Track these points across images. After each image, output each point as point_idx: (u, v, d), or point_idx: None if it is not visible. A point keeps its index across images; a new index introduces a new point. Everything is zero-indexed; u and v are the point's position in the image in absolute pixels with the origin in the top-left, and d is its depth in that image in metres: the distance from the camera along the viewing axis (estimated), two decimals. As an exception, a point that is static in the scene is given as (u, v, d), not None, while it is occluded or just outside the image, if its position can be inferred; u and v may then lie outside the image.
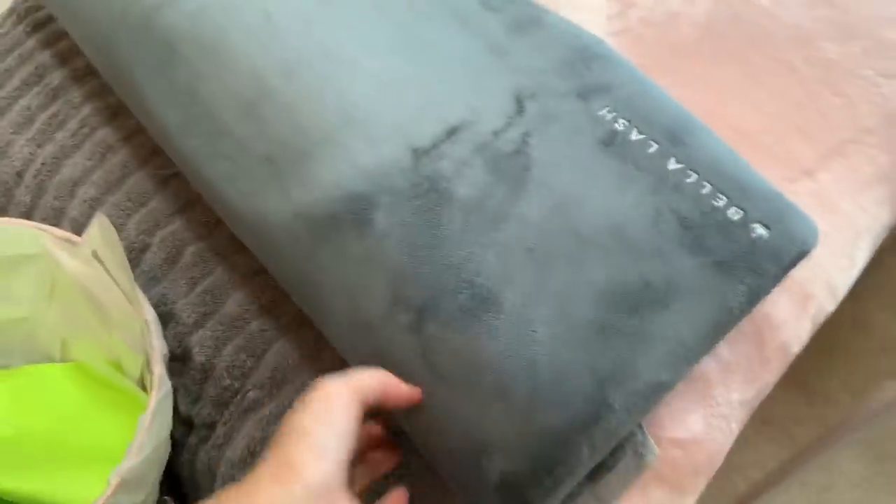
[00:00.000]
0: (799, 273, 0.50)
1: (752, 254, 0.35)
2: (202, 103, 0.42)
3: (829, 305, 0.52)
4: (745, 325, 0.48)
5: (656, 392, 0.33)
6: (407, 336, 0.35)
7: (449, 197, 0.36)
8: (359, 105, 0.39)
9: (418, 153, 0.38)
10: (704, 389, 0.45)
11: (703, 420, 0.45)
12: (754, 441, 1.06)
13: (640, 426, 0.41)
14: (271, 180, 0.39)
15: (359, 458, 0.37)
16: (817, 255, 0.51)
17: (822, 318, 0.52)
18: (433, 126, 0.38)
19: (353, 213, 0.37)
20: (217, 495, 0.31)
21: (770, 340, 0.48)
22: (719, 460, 0.46)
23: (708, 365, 0.46)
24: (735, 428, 0.47)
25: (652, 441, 0.42)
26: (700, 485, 0.45)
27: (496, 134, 0.38)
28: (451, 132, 0.38)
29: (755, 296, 0.36)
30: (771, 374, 0.49)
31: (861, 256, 0.54)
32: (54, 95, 0.56)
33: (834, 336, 1.21)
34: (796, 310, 0.49)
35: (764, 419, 1.09)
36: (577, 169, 0.37)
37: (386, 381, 0.34)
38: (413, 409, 0.36)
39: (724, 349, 0.47)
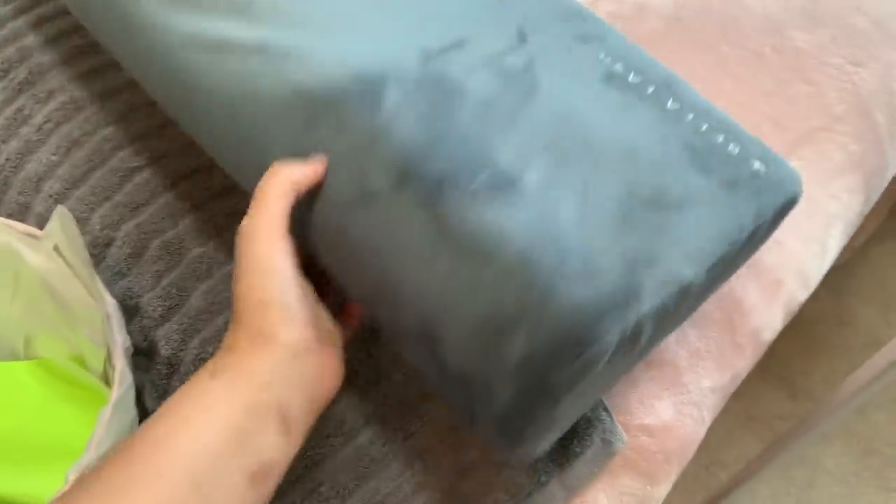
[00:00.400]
0: (769, 258, 0.50)
1: (755, 181, 0.36)
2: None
3: (801, 294, 0.52)
4: (714, 311, 0.47)
5: (681, 287, 0.32)
6: (419, 210, 0.33)
7: (461, 93, 0.36)
8: (361, 14, 0.39)
9: (428, 54, 0.37)
10: (674, 376, 0.45)
11: (672, 407, 0.44)
12: (738, 436, 1.06)
13: (607, 411, 0.41)
14: (267, 66, 0.37)
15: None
16: (787, 242, 0.51)
17: (794, 307, 0.52)
18: (440, 38, 0.38)
19: (363, 89, 0.35)
20: (207, 367, 0.31)
21: (741, 326, 0.48)
22: (692, 449, 0.46)
23: (677, 352, 0.46)
24: (707, 416, 0.46)
25: (620, 427, 0.42)
26: (672, 472, 0.44)
27: (502, 54, 0.38)
28: (459, 44, 0.38)
29: (761, 220, 0.36)
30: (744, 361, 0.48)
31: (833, 244, 0.54)
32: (19, 90, 0.55)
33: (818, 332, 1.22)
34: (767, 296, 0.49)
35: (748, 415, 1.09)
36: (582, 93, 0.37)
37: (295, 179, 0.33)
38: (423, 288, 0.33)
39: (693, 335, 0.46)
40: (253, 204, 0.33)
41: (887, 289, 1.30)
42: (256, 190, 0.34)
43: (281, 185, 0.33)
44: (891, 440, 1.12)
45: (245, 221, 0.33)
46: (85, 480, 0.29)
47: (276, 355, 0.30)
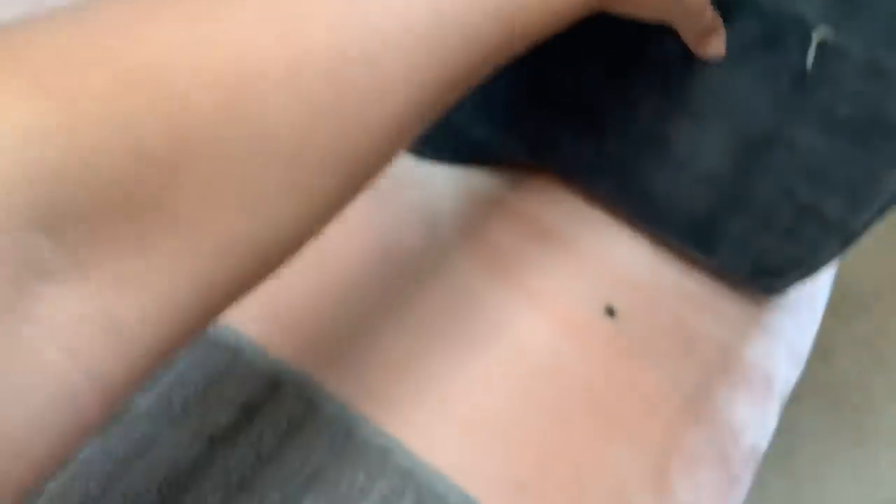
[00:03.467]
0: (752, 354, 0.39)
1: None
2: None
3: (795, 374, 0.42)
4: (704, 450, 0.37)
5: None
6: None
7: None
8: None
9: None
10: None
11: None
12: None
13: None
14: None
15: None
16: (770, 322, 0.41)
17: (789, 391, 0.41)
18: None
19: None
20: None
21: (735, 455, 0.37)
22: None
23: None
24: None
25: None
26: None
27: None
28: None
29: None
30: (743, 488, 0.38)
31: (822, 295, 0.44)
32: None
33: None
34: (760, 401, 0.39)
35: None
36: None
37: None
38: None
39: (680, 490, 0.36)
40: None
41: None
42: None
43: None
44: (860, 385, 1.07)
45: None
46: None
47: None
